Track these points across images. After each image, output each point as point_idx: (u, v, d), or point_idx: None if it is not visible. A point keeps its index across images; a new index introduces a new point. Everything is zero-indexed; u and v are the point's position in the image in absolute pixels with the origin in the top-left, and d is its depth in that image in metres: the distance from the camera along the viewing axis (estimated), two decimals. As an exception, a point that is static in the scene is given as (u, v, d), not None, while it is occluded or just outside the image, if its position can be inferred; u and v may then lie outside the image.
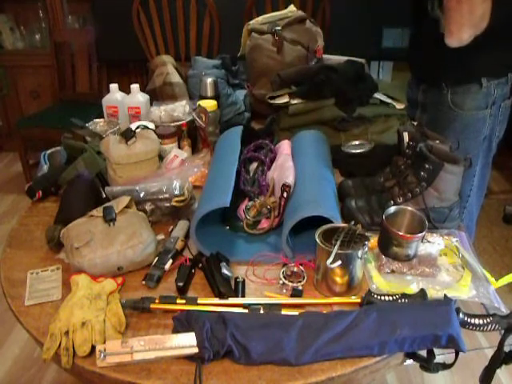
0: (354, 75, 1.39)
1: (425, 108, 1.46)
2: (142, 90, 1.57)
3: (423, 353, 0.80)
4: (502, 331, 0.79)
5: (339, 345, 0.75)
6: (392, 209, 0.98)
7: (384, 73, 3.04)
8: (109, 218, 0.96)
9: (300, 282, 0.91)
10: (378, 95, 1.41)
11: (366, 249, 0.86)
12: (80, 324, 0.78)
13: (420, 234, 0.92)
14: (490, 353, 1.72)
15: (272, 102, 1.45)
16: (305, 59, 1.60)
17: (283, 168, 1.13)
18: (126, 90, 1.58)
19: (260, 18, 1.71)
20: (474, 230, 1.59)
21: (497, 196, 2.79)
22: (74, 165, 1.20)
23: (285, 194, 1.02)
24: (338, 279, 0.87)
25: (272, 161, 1.24)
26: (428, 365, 0.80)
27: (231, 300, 0.86)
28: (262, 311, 0.83)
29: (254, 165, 1.24)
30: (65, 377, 1.72)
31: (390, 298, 0.84)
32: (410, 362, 0.82)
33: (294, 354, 0.74)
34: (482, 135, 1.35)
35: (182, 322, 0.79)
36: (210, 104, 1.41)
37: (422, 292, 0.85)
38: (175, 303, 0.84)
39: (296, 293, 0.88)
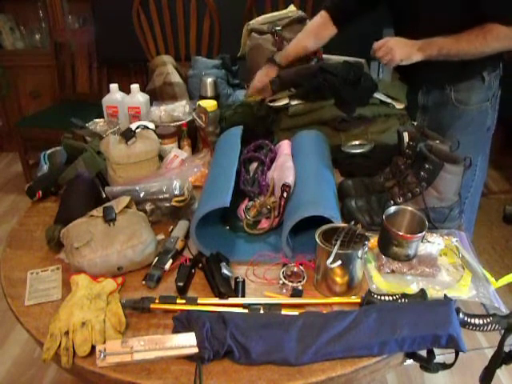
0: (352, 76, 1.39)
1: (426, 110, 1.46)
2: (142, 90, 1.57)
3: (423, 353, 0.80)
4: (502, 331, 0.79)
5: (339, 345, 0.75)
6: (392, 209, 0.98)
7: (384, 73, 3.03)
8: (109, 218, 0.96)
9: (300, 282, 0.91)
10: (377, 95, 1.40)
11: (366, 249, 0.86)
12: (80, 324, 0.78)
13: (420, 234, 0.92)
14: (490, 353, 1.72)
15: (272, 104, 1.44)
16: (305, 59, 1.60)
17: (283, 168, 1.13)
18: (126, 90, 1.58)
19: (260, 18, 1.71)
20: (473, 224, 1.60)
21: (497, 196, 2.78)
22: (74, 165, 1.20)
23: (285, 194, 1.02)
24: (338, 279, 0.87)
25: (272, 161, 1.23)
26: (428, 365, 0.80)
27: (231, 300, 0.86)
28: (261, 311, 0.83)
29: (254, 165, 1.24)
30: (65, 377, 1.72)
31: (390, 297, 0.84)
32: (410, 361, 0.82)
33: (294, 354, 0.74)
34: (486, 126, 1.37)
35: (182, 322, 0.79)
36: (209, 104, 1.41)
37: (422, 292, 0.85)
38: (175, 303, 0.84)
39: (296, 293, 0.88)
